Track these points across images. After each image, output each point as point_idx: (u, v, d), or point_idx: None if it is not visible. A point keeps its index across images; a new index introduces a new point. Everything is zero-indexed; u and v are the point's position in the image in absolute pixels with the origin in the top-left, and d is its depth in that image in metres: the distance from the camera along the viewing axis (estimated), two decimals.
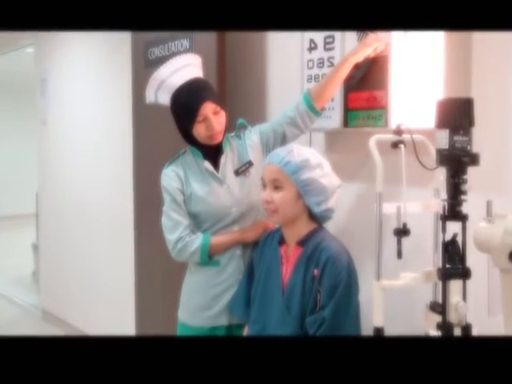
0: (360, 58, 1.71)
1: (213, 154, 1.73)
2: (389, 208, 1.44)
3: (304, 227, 1.55)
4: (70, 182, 3.85)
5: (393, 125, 1.62)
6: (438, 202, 1.46)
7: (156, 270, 2.57)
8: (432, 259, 1.53)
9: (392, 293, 1.48)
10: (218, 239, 1.71)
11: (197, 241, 1.68)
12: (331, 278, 1.43)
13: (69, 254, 3.92)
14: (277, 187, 1.52)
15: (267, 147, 1.78)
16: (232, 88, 2.25)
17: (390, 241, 1.44)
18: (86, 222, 3.67)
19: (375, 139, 1.49)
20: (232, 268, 1.73)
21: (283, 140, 1.76)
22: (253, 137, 1.79)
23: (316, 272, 1.46)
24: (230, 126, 1.78)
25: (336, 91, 1.79)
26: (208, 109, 1.64)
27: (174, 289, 1.88)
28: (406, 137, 1.50)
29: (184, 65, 1.68)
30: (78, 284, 3.81)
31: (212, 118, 1.65)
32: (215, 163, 1.74)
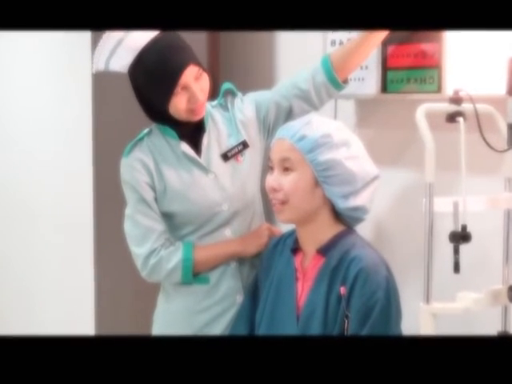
0: None
1: (191, 132, 1.74)
2: (443, 204, 1.45)
3: (326, 229, 1.57)
4: (12, 174, 3.87)
5: (449, 90, 1.63)
6: (509, 196, 1.48)
7: (123, 291, 2.59)
8: (501, 274, 1.54)
9: (446, 320, 1.50)
10: (205, 252, 1.72)
11: (176, 254, 1.69)
12: (363, 299, 1.45)
13: (8, 268, 3.95)
14: (287, 169, 1.53)
15: (265, 124, 1.79)
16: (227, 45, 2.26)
17: (444, 249, 1.46)
18: (32, 227, 3.70)
19: (425, 110, 1.50)
20: (226, 286, 1.75)
21: (288, 116, 1.77)
22: (245, 109, 1.79)
23: (343, 290, 1.48)
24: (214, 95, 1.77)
25: (365, 60, 1.80)
26: (190, 75, 1.63)
27: (147, 313, 1.90)
28: (466, 107, 1.51)
29: None
30: (20, 306, 3.85)
31: (194, 86, 1.64)
32: (195, 145, 1.74)
